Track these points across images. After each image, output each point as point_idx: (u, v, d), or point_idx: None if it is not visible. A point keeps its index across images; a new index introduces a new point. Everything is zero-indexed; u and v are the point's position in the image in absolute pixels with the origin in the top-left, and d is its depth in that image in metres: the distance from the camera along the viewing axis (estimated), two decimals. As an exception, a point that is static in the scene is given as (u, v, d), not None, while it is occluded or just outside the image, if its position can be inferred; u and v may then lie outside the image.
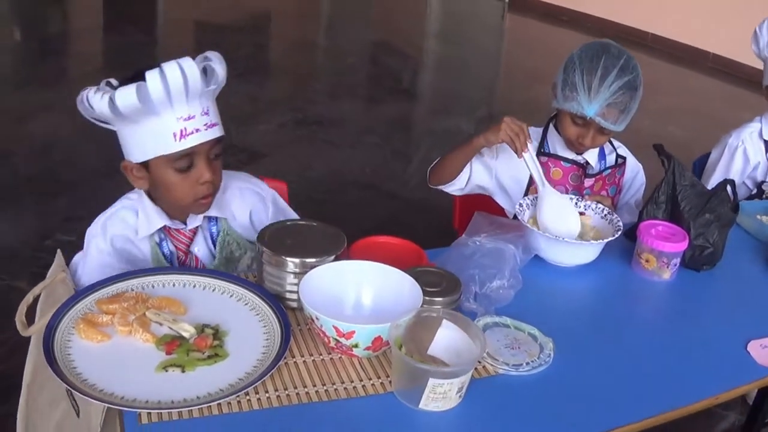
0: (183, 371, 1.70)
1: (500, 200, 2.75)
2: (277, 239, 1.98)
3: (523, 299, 2.06)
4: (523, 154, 2.40)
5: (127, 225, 2.21)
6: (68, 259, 2.09)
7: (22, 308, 1.91)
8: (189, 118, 1.99)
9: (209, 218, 2.26)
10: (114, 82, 2.05)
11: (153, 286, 1.97)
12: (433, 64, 8.95)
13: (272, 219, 2.32)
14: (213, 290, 1.98)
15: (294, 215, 2.38)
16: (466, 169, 2.66)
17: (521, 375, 1.80)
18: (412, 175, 5.47)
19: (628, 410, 1.76)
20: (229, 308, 1.92)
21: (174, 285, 1.99)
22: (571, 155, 2.68)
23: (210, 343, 1.77)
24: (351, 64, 7.73)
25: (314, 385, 1.71)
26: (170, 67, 1.91)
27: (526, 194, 2.61)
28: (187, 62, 1.93)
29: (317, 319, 1.73)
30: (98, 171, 5.05)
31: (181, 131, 1.99)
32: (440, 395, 1.63)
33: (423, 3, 11.66)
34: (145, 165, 2.09)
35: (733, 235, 2.41)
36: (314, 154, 5.61)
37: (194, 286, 1.99)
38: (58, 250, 2.00)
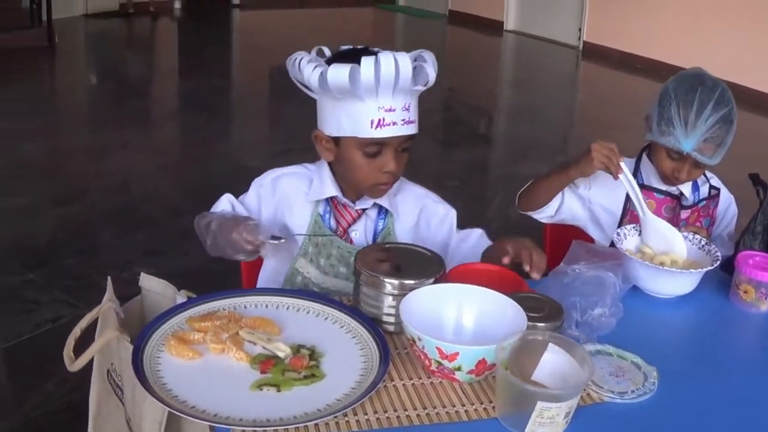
0: (278, 390, 1.65)
1: (592, 232, 2.69)
2: (374, 261, 1.94)
3: (624, 328, 1.99)
4: (619, 175, 2.36)
5: (296, 188, 2.29)
6: (120, 291, 2.03)
7: (70, 342, 1.87)
8: (390, 110, 2.03)
9: (380, 210, 2.29)
10: (326, 51, 2.14)
11: (245, 307, 1.94)
12: (507, 111, 8.95)
13: (442, 239, 2.35)
14: (307, 312, 1.94)
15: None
16: (557, 198, 2.60)
17: (626, 403, 1.73)
18: (491, 218, 5.44)
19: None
20: (325, 330, 1.87)
21: (266, 306, 1.96)
22: (664, 186, 2.62)
23: (306, 363, 1.73)
24: (427, 109, 7.73)
25: (414, 409, 1.65)
26: (386, 58, 1.95)
27: (620, 225, 2.55)
28: (403, 57, 1.98)
29: (419, 339, 1.68)
30: (176, 207, 5.09)
31: (379, 120, 2.03)
32: (548, 420, 1.56)
33: (496, 51, 11.69)
34: (336, 139, 2.15)
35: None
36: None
37: (287, 308, 1.95)
38: (109, 278, 1.97)
